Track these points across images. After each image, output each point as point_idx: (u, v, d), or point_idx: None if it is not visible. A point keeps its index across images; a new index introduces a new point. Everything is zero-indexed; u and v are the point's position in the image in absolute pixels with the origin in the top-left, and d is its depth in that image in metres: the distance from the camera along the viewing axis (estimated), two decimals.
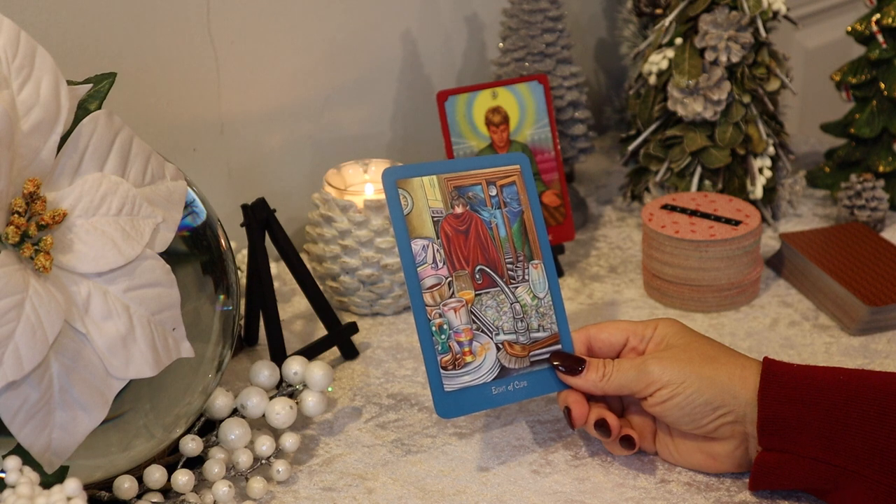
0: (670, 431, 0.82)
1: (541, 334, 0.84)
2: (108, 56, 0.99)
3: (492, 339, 0.82)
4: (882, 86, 1.23)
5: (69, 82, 0.70)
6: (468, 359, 0.81)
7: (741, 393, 0.77)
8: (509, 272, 0.84)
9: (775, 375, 0.77)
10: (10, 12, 0.68)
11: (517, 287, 0.84)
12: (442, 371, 0.79)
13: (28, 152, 0.67)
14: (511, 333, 0.83)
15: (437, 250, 0.81)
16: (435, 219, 0.82)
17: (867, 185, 1.17)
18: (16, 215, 0.66)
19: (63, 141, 0.69)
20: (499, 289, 0.83)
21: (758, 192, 1.16)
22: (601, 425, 0.81)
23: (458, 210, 0.83)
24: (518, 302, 0.83)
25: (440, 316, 0.80)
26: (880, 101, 1.24)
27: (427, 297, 0.80)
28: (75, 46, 0.96)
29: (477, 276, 0.82)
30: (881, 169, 1.23)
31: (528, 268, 0.85)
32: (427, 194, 0.82)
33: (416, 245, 0.81)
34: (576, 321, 1.02)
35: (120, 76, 0.75)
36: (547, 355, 0.83)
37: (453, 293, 0.81)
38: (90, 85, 0.72)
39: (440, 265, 0.81)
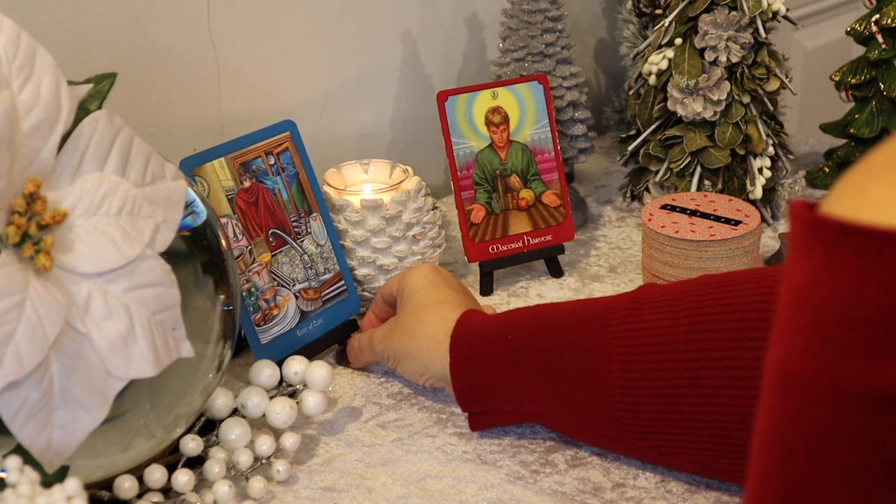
0: None
1: (327, 276, 0.98)
2: (108, 56, 0.99)
3: (290, 290, 0.94)
4: (882, 86, 1.23)
5: (69, 82, 0.70)
6: (275, 312, 0.93)
7: (434, 367, 0.87)
8: (295, 229, 0.96)
9: (460, 351, 0.85)
10: (10, 12, 0.68)
11: (303, 241, 0.96)
12: (256, 328, 0.91)
13: (28, 152, 0.67)
14: (304, 282, 0.95)
15: (236, 224, 0.91)
16: (229, 196, 0.91)
17: None
18: (16, 215, 0.66)
19: (63, 141, 0.69)
20: (289, 246, 0.94)
21: (757, 192, 1.16)
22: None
23: (247, 184, 0.93)
24: (306, 253, 0.95)
25: (247, 281, 0.91)
26: (880, 101, 1.24)
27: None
28: (75, 46, 0.96)
29: (270, 239, 0.93)
30: None
31: (309, 221, 0.97)
32: (219, 176, 0.91)
33: None
34: None
35: (120, 76, 0.75)
36: (335, 293, 0.97)
37: (254, 259, 0.92)
38: (90, 85, 0.72)
39: (240, 237, 0.91)
